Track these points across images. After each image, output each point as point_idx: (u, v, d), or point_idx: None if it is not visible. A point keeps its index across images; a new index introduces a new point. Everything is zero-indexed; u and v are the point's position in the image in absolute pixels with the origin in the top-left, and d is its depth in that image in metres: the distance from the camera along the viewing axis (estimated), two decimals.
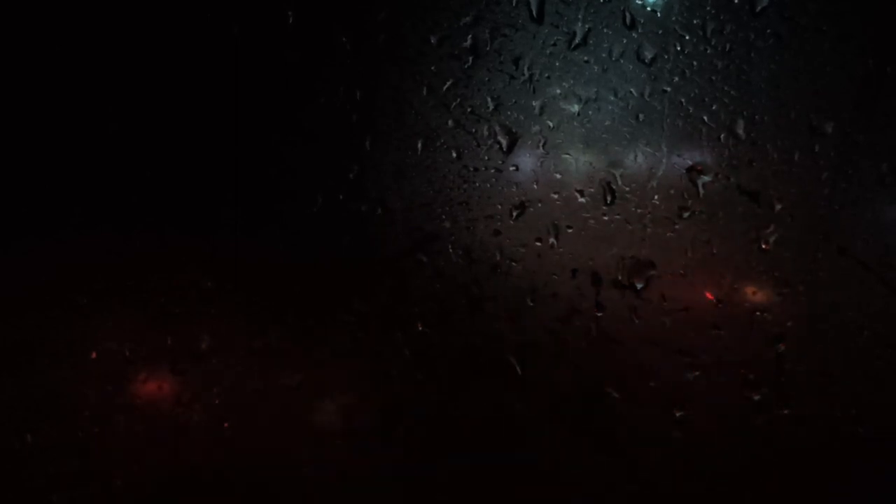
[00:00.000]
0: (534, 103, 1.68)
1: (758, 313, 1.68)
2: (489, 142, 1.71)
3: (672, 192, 1.68)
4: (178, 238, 1.83)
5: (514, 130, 1.70)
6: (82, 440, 1.84)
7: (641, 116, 1.67)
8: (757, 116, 1.64)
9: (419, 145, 1.72)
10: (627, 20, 1.64)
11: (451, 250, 1.74)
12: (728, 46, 1.63)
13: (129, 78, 1.77)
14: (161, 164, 1.80)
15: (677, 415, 1.71)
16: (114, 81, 1.78)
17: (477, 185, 1.72)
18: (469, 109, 1.70)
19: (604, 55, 1.66)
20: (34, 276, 1.85)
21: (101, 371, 1.84)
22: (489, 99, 1.69)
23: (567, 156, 1.70)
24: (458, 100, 1.70)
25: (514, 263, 1.73)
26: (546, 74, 1.68)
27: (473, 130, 1.70)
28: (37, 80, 1.78)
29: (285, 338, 1.82)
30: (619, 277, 1.71)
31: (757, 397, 1.69)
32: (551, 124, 1.69)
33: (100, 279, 1.84)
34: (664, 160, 1.67)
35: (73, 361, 1.84)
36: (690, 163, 1.67)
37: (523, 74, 1.68)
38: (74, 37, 1.77)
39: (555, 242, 1.71)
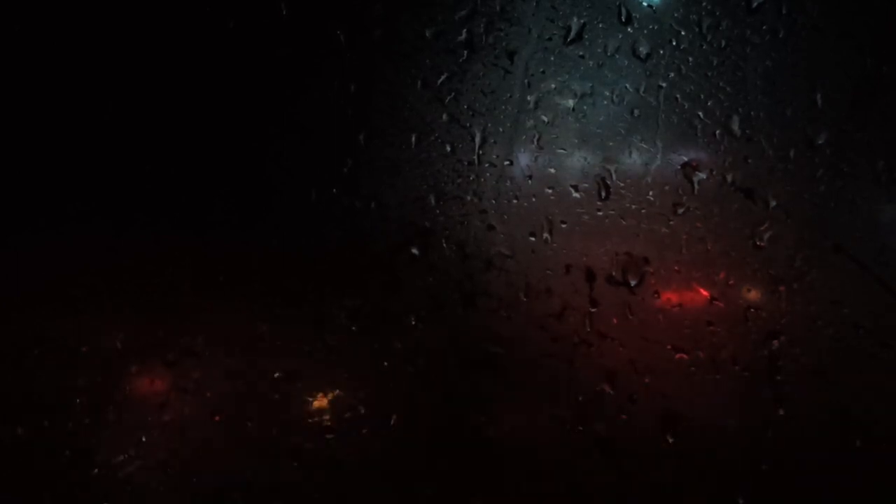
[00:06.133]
0: (528, 98, 1.68)
1: (752, 310, 1.67)
2: (483, 136, 1.70)
3: (667, 188, 1.67)
4: (172, 233, 1.83)
5: (508, 125, 1.69)
6: (77, 437, 1.83)
7: (636, 112, 1.67)
8: (752, 113, 1.64)
9: (413, 139, 1.71)
10: (623, 15, 1.64)
11: (444, 245, 1.73)
12: (724, 43, 1.62)
13: (124, 72, 1.77)
14: (155, 158, 1.80)
15: (671, 411, 1.71)
16: (108, 76, 1.77)
17: (471, 179, 1.72)
18: (464, 104, 1.70)
19: (599, 50, 1.66)
20: (28, 273, 1.84)
21: (95, 367, 1.84)
22: (484, 93, 1.69)
23: (561, 151, 1.70)
24: (453, 94, 1.69)
25: (507, 258, 1.73)
26: (541, 69, 1.67)
27: (468, 125, 1.70)
28: (30, 75, 1.78)
29: (278, 332, 1.82)
30: (613, 273, 1.70)
31: (751, 394, 1.68)
32: (546, 119, 1.69)
33: (94, 274, 1.84)
34: (659, 156, 1.67)
35: (68, 358, 1.84)
36: (685, 159, 1.66)
37: (518, 69, 1.68)
38: (70, 33, 1.77)
39: (549, 238, 1.71)
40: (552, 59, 1.67)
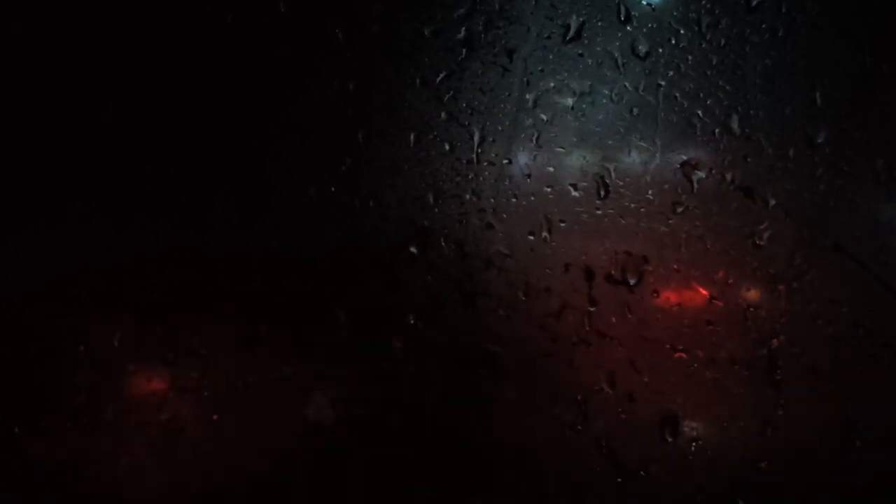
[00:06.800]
0: (527, 96, 1.68)
1: (751, 309, 1.67)
2: (482, 135, 1.70)
3: (666, 187, 1.67)
4: (172, 233, 1.83)
5: (507, 123, 1.69)
6: (77, 437, 1.83)
7: (636, 111, 1.66)
8: (752, 112, 1.64)
9: (412, 138, 1.71)
10: (622, 14, 1.64)
11: (443, 244, 1.73)
12: (723, 41, 1.62)
13: (124, 72, 1.77)
14: (155, 158, 1.80)
15: (670, 411, 1.71)
16: (108, 75, 1.77)
17: (470, 178, 1.72)
18: (463, 103, 1.70)
19: (598, 49, 1.66)
20: (28, 273, 1.84)
21: (95, 367, 1.84)
22: (482, 92, 1.69)
23: (560, 150, 1.69)
24: (452, 92, 1.69)
25: (506, 257, 1.72)
26: (540, 68, 1.67)
27: (467, 123, 1.70)
28: (30, 75, 1.78)
29: (277, 331, 1.82)
30: (613, 272, 1.70)
31: (750, 393, 1.68)
32: (545, 118, 1.69)
33: (94, 274, 1.83)
34: (658, 155, 1.67)
35: (68, 358, 1.84)
36: (685, 158, 1.66)
37: (517, 67, 1.68)
38: (70, 33, 1.77)
39: (548, 237, 1.70)
40: (551, 57, 1.67)
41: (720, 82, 1.63)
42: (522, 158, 1.70)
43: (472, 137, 1.70)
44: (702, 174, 1.66)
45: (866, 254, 1.64)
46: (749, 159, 1.65)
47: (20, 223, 1.83)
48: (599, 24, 1.65)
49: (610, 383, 1.72)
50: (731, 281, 1.68)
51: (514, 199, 1.71)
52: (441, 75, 1.69)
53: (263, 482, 1.84)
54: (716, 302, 1.68)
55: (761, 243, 1.66)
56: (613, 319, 1.70)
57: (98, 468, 1.85)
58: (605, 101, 1.67)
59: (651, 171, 1.67)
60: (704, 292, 1.69)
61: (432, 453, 1.79)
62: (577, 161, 1.69)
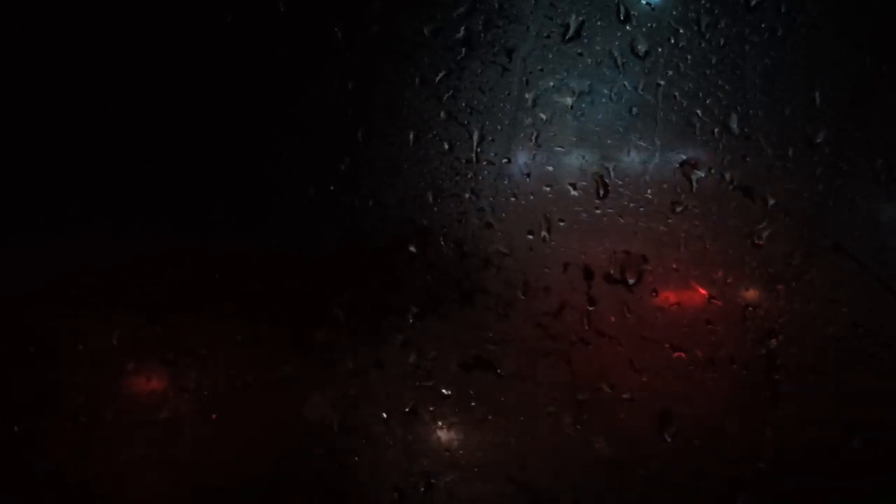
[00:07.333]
0: (527, 96, 1.68)
1: (750, 309, 1.67)
2: (481, 134, 1.70)
3: (665, 186, 1.67)
4: (172, 233, 1.83)
5: (506, 122, 1.69)
6: (76, 437, 1.83)
7: (635, 110, 1.66)
8: (751, 111, 1.64)
9: (411, 137, 1.71)
10: (621, 13, 1.64)
11: (442, 243, 1.73)
12: (723, 41, 1.62)
13: (124, 72, 1.77)
14: (155, 158, 1.80)
15: (669, 410, 1.70)
16: (108, 75, 1.78)
17: (469, 177, 1.72)
18: (462, 102, 1.70)
19: (597, 48, 1.66)
20: (28, 273, 1.85)
21: (95, 367, 1.84)
22: (482, 91, 1.69)
23: (560, 149, 1.69)
24: (451, 92, 1.69)
25: (505, 257, 1.72)
26: (539, 67, 1.67)
27: (466, 123, 1.70)
28: (31, 75, 1.79)
29: (277, 331, 1.82)
30: (612, 272, 1.70)
31: (749, 393, 1.68)
32: (544, 117, 1.69)
33: (94, 274, 1.84)
34: (657, 154, 1.67)
35: (68, 358, 1.84)
36: (684, 157, 1.66)
37: (516, 67, 1.68)
38: (70, 33, 1.77)
39: (547, 236, 1.70)
40: (550, 56, 1.67)
41: (719, 82, 1.63)
42: (521, 158, 1.70)
43: (471, 137, 1.70)
44: (701, 174, 1.66)
45: (866, 254, 1.64)
46: (748, 159, 1.64)
47: (20, 223, 1.83)
48: (599, 23, 1.65)
49: (608, 383, 1.72)
50: (729, 280, 1.68)
51: (513, 199, 1.71)
52: (440, 74, 1.69)
53: (263, 482, 1.83)
54: (715, 301, 1.68)
55: (760, 243, 1.66)
56: (612, 319, 1.70)
57: (98, 468, 1.85)
58: (604, 100, 1.67)
59: (650, 171, 1.67)
60: (703, 292, 1.69)
61: (432, 453, 1.79)
62: (577, 160, 1.69)
